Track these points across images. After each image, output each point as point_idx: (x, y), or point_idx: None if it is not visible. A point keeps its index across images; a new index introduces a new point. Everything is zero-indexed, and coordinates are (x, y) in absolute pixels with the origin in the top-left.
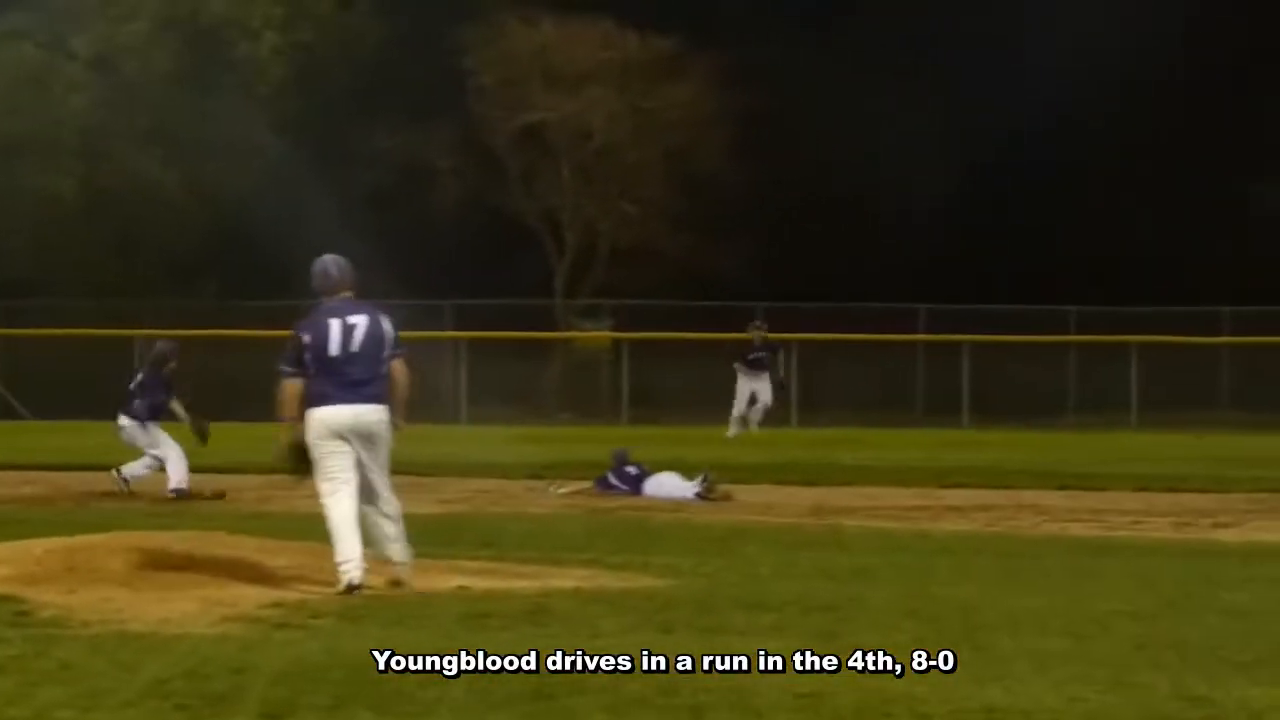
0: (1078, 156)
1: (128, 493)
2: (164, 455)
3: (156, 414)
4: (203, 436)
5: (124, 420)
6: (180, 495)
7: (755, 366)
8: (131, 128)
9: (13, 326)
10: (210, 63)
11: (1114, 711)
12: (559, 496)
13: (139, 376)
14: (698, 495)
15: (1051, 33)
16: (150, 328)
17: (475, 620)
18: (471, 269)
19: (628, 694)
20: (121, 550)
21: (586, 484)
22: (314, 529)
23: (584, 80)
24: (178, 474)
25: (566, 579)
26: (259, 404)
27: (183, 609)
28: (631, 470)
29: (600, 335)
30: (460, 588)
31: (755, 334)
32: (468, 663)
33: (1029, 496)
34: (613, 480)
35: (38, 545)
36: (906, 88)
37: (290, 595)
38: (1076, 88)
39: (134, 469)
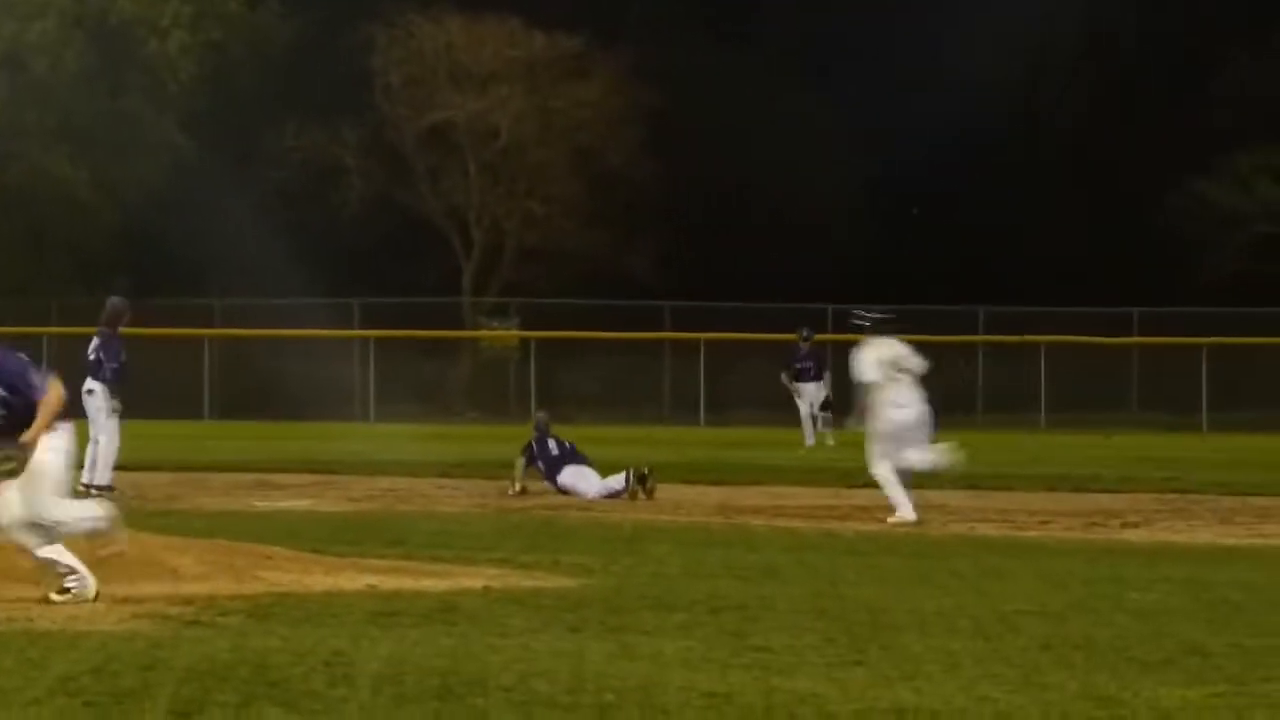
0: (988, 157)
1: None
2: (100, 437)
3: (121, 377)
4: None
5: (93, 384)
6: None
7: (803, 378)
8: (40, 126)
9: None
10: (119, 61)
11: (1022, 712)
12: (513, 495)
13: (95, 341)
14: (629, 491)
15: (961, 35)
16: (60, 325)
17: (384, 618)
18: (379, 267)
19: (536, 693)
20: None
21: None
22: (222, 528)
23: (491, 79)
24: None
25: (476, 578)
26: (167, 401)
27: (90, 606)
28: (553, 448)
29: (507, 334)
30: (369, 586)
31: (802, 342)
32: (375, 661)
33: (936, 496)
34: (535, 451)
35: None
36: (815, 86)
37: (198, 592)
38: (987, 90)
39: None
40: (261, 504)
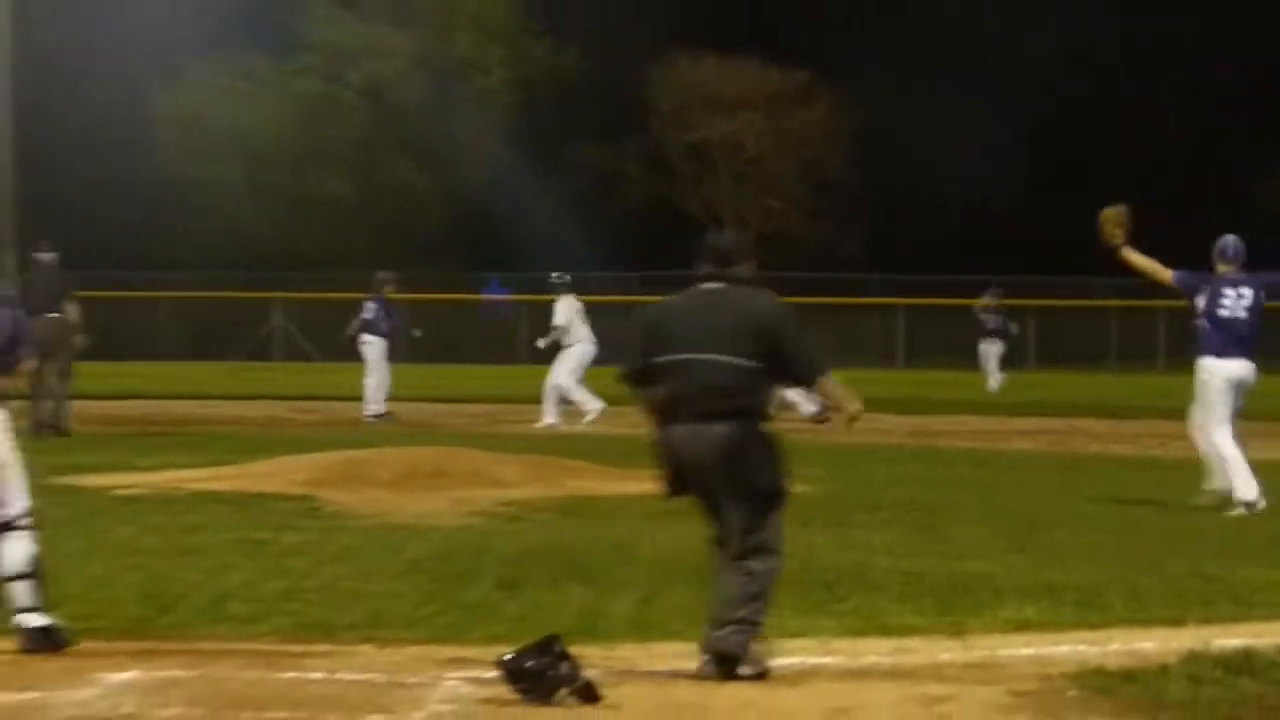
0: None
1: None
2: (373, 378)
3: (390, 334)
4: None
5: (369, 338)
6: (378, 418)
7: (993, 334)
8: (393, 142)
9: (308, 292)
10: (453, 92)
11: (1146, 586)
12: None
13: (372, 305)
14: (815, 416)
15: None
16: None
17: (658, 516)
18: (653, 253)
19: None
20: (388, 462)
21: None
22: (534, 445)
23: (738, 106)
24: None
25: None
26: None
27: (435, 506)
28: None
29: None
30: (646, 491)
31: (991, 302)
32: (651, 547)
33: (1081, 424)
34: None
35: (324, 458)
36: (963, 101)
37: (518, 496)
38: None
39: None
40: (564, 428)
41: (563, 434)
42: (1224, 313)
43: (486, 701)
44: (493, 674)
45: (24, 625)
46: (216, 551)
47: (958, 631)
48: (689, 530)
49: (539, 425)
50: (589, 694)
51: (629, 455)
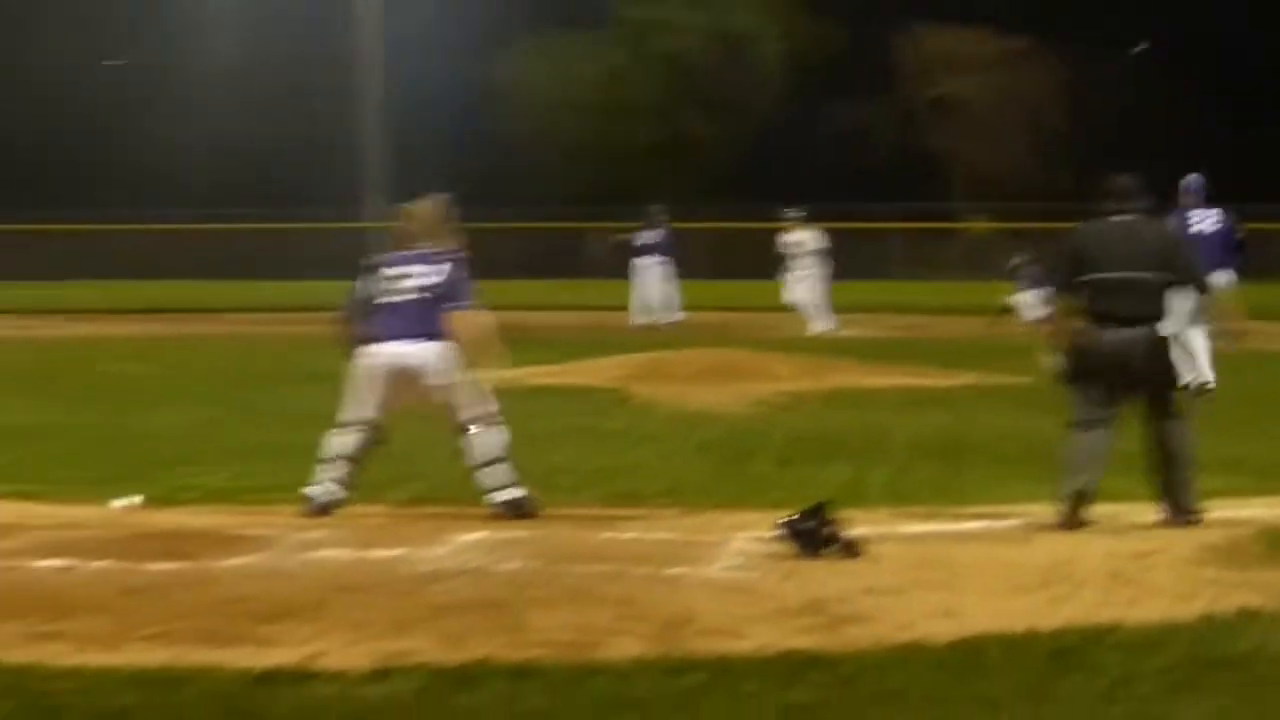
0: None
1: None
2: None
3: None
4: None
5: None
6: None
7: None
8: (686, 100)
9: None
10: (735, 58)
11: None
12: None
13: (649, 233)
14: (1043, 319)
15: None
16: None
17: (910, 405)
18: (903, 189)
19: (1004, 453)
20: (684, 361)
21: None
22: (804, 347)
23: (973, 66)
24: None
25: (964, 379)
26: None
27: (723, 397)
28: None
29: (986, 225)
30: (898, 384)
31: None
32: (903, 431)
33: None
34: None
35: (632, 358)
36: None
37: (790, 388)
38: None
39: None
40: (829, 335)
41: (829, 337)
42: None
43: (768, 556)
44: (773, 534)
45: (497, 500)
46: (546, 435)
47: (1157, 498)
48: (934, 418)
49: (811, 331)
50: (851, 550)
51: (883, 355)
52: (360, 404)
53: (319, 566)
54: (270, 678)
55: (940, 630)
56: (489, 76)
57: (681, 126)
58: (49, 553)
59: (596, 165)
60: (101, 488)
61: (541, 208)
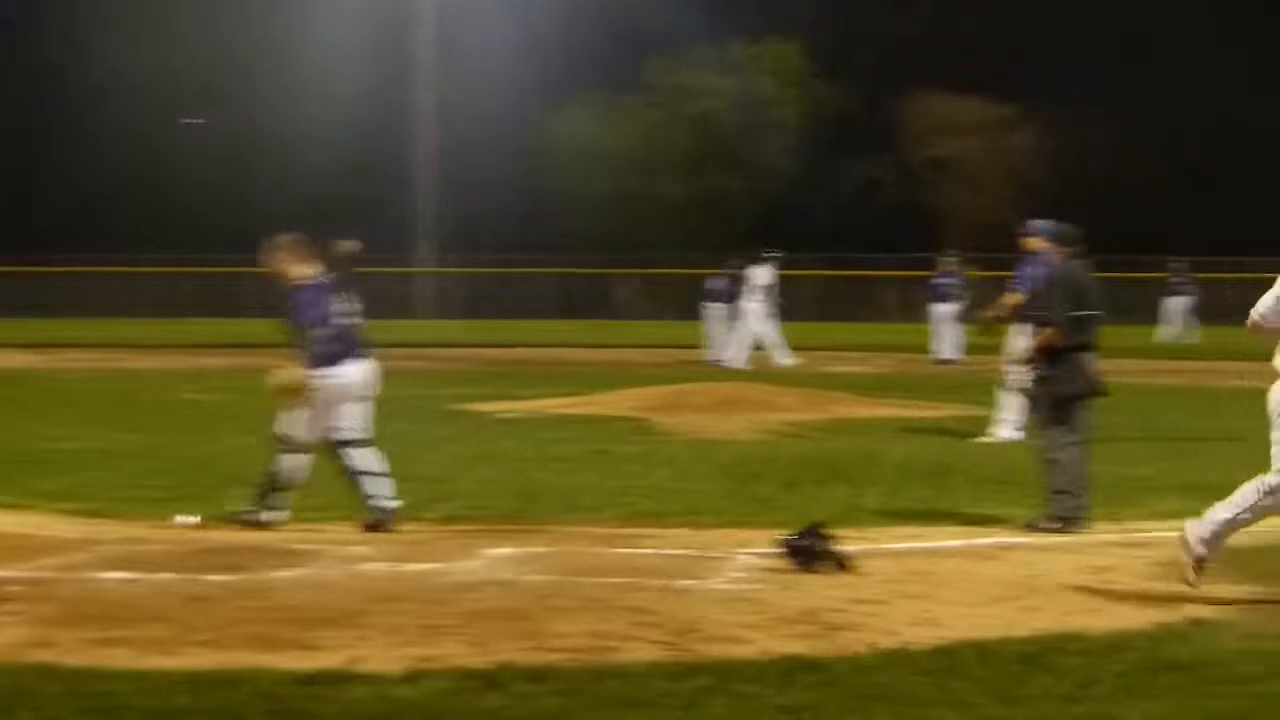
0: None
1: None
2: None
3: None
4: None
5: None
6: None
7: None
8: (714, 157)
9: (650, 269)
10: (758, 119)
11: None
12: None
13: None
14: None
15: None
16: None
17: (906, 432)
18: (903, 240)
19: (994, 477)
20: (700, 393)
21: None
22: (807, 382)
23: (964, 130)
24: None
25: (965, 410)
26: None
27: (735, 426)
28: None
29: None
30: (894, 415)
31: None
32: (895, 455)
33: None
34: None
35: (653, 390)
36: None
37: (796, 418)
38: None
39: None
40: (830, 369)
41: (824, 371)
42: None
43: (768, 570)
44: (774, 550)
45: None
46: (571, 459)
47: (1116, 519)
48: (925, 443)
49: (775, 364)
50: (843, 564)
51: (879, 389)
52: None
53: (361, 578)
54: (314, 679)
55: (921, 637)
56: (536, 134)
57: (709, 181)
58: (115, 565)
59: (630, 214)
60: (164, 506)
61: (576, 254)
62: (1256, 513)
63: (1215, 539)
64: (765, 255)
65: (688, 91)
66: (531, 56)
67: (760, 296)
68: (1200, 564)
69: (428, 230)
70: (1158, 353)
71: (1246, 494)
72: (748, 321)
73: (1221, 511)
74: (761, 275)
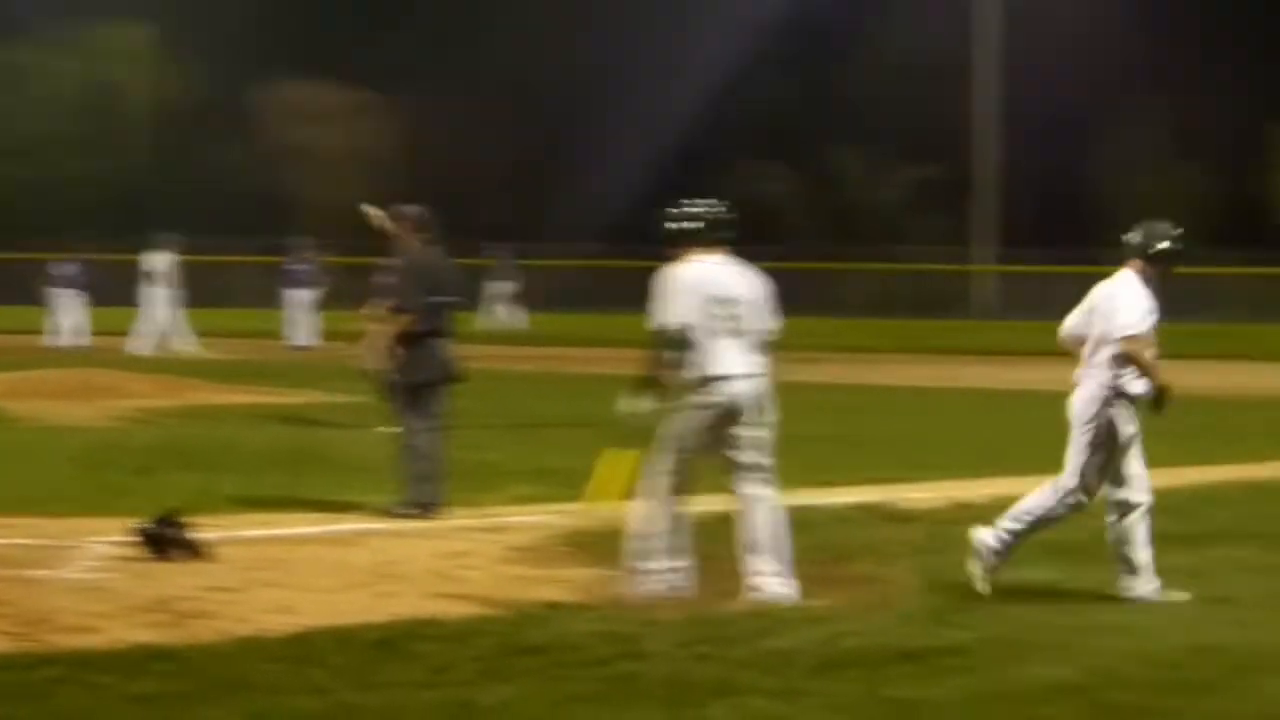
0: None
1: None
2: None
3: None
4: None
5: None
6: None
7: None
8: None
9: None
10: None
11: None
12: None
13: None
14: None
15: None
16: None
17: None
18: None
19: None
20: (53, 380)
21: None
22: (160, 366)
23: (320, 118)
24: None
25: None
26: None
27: (86, 413)
28: None
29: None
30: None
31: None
32: (251, 441)
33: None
34: None
35: (3, 375)
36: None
37: (148, 404)
38: None
39: None
40: (187, 354)
41: (184, 358)
42: None
43: (122, 559)
44: (127, 538)
45: None
46: None
47: (474, 504)
48: (283, 430)
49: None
50: (197, 552)
51: (235, 375)
52: None
53: None
54: None
55: (276, 624)
56: None
57: (57, 165)
58: None
59: None
60: None
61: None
62: (1053, 516)
63: (1007, 547)
64: (161, 240)
65: (31, 73)
66: None
67: (161, 283)
68: (991, 572)
69: None
70: (489, 339)
71: (1042, 499)
72: (152, 309)
73: (1014, 521)
74: (159, 261)
